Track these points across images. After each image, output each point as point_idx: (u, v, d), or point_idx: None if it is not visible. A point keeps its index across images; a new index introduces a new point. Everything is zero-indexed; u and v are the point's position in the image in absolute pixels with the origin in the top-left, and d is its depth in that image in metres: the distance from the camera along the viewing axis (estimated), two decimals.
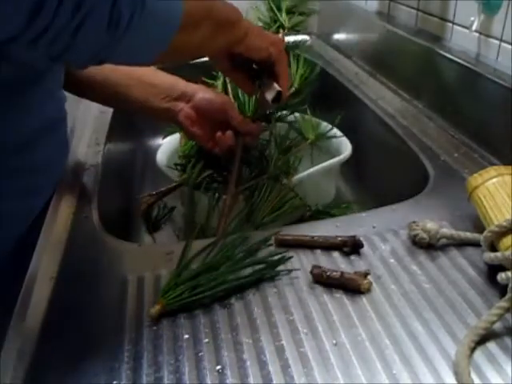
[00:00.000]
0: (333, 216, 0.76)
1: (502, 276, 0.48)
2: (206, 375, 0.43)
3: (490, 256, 0.52)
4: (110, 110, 0.95)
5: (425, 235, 0.56)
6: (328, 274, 0.52)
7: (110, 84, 0.75)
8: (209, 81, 0.91)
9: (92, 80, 0.75)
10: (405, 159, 0.80)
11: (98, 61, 0.48)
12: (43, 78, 0.66)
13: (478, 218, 0.57)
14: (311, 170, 0.78)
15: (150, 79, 0.75)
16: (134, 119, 1.13)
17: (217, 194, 0.73)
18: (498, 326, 0.46)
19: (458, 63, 0.82)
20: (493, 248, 0.53)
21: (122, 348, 0.46)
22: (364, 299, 0.50)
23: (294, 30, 0.95)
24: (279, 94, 0.65)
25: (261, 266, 0.54)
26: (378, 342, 0.45)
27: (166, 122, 0.80)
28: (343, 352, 0.45)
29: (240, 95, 0.82)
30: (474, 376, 0.41)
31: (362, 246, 0.57)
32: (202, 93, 0.75)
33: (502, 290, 0.50)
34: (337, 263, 0.55)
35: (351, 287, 0.51)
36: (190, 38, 0.54)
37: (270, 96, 0.65)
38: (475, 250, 0.56)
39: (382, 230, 0.60)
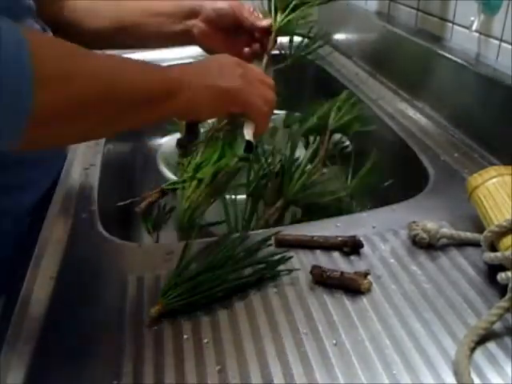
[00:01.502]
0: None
1: (501, 276, 0.49)
2: (206, 375, 0.43)
3: (489, 256, 0.52)
4: None
5: (425, 235, 0.56)
6: (328, 273, 0.52)
7: (119, 28, 0.75)
8: None
9: (101, 29, 0.75)
10: (405, 159, 0.80)
11: None
12: None
13: (478, 218, 0.57)
14: None
15: (152, 10, 0.75)
16: None
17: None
18: (498, 326, 0.46)
19: (458, 63, 0.82)
20: (493, 248, 0.53)
21: (122, 348, 0.46)
22: (364, 299, 0.50)
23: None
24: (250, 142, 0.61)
25: (261, 266, 0.54)
26: (378, 342, 0.46)
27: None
28: (343, 352, 0.45)
29: None
30: (474, 376, 0.42)
31: (361, 246, 0.57)
32: (208, 4, 0.74)
33: (502, 290, 0.50)
34: (337, 263, 0.55)
35: (351, 287, 0.51)
36: (60, 131, 0.44)
37: (247, 136, 0.61)
38: (475, 250, 0.56)
39: (382, 230, 0.60)
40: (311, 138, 0.78)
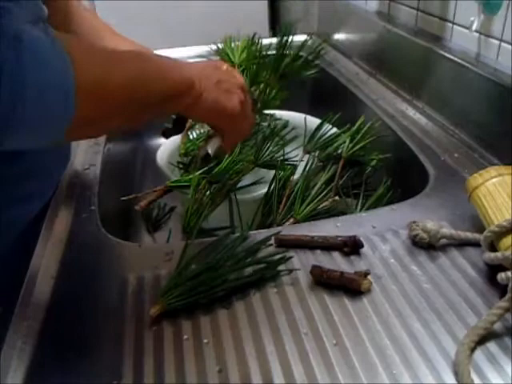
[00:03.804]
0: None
1: (501, 276, 0.48)
2: (206, 375, 0.43)
3: (489, 256, 0.52)
4: None
5: (425, 235, 0.56)
6: (328, 273, 0.52)
7: None
8: None
9: None
10: (405, 159, 0.80)
11: None
12: None
13: (477, 218, 0.57)
14: None
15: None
16: None
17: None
18: (498, 326, 0.46)
19: (458, 63, 0.82)
20: (493, 248, 0.53)
21: (122, 348, 0.46)
22: (364, 299, 0.50)
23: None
24: (208, 155, 0.65)
25: (261, 266, 0.54)
26: (378, 342, 0.46)
27: None
28: (343, 352, 0.45)
29: None
30: (474, 376, 0.42)
31: (362, 246, 0.57)
32: None
33: (501, 290, 0.50)
34: (337, 263, 0.55)
35: (351, 287, 0.51)
36: (95, 127, 0.49)
37: (210, 149, 0.64)
38: (475, 250, 0.56)
39: (382, 230, 0.60)
40: (328, 166, 0.80)
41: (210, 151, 0.64)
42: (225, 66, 0.65)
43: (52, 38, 0.42)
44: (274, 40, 1.02)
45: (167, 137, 0.75)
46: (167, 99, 0.54)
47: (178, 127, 0.71)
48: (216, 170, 0.76)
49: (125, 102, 0.49)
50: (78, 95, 0.42)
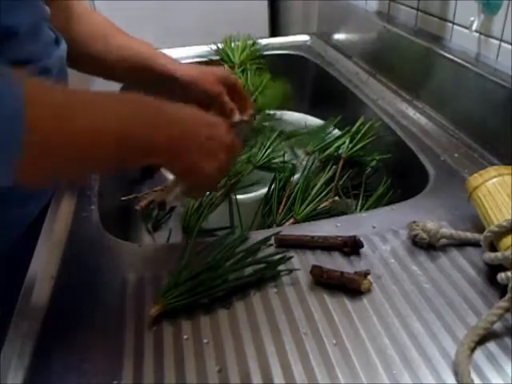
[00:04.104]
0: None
1: (501, 276, 0.49)
2: (206, 375, 0.43)
3: (489, 256, 0.52)
4: None
5: (425, 235, 0.56)
6: (328, 273, 0.52)
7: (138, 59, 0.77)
8: None
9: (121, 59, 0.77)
10: (405, 159, 0.80)
11: None
12: None
13: (477, 218, 0.57)
14: None
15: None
16: None
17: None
18: (498, 326, 0.46)
19: (458, 63, 0.82)
20: (493, 248, 0.53)
21: (121, 348, 0.46)
22: (364, 299, 0.50)
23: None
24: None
25: (261, 266, 0.54)
26: (378, 342, 0.46)
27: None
28: (343, 352, 0.45)
29: None
30: (474, 376, 0.42)
31: (362, 246, 0.57)
32: (179, 74, 0.76)
33: (501, 290, 0.50)
34: (337, 263, 0.55)
35: (351, 287, 0.51)
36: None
37: (168, 198, 0.60)
38: (475, 250, 0.56)
39: (382, 230, 0.60)
40: (328, 166, 0.80)
41: (167, 200, 0.60)
42: (221, 126, 0.58)
43: (6, 77, 0.40)
44: (274, 40, 1.02)
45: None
46: (124, 162, 0.49)
47: (146, 174, 0.66)
48: None
49: (70, 158, 0.44)
50: (28, 135, 0.39)
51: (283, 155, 0.82)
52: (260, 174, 0.82)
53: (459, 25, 0.87)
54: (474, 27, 0.81)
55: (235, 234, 0.58)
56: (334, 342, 0.46)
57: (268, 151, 0.81)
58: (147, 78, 0.78)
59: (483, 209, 0.56)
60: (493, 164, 0.73)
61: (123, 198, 0.73)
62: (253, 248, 0.56)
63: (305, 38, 1.32)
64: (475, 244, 0.56)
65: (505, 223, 0.51)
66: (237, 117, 0.77)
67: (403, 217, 0.62)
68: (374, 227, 0.61)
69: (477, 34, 0.82)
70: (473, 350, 0.44)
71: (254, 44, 1.17)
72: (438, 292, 0.51)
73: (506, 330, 0.46)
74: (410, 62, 0.97)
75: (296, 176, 0.77)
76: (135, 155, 0.49)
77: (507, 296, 0.46)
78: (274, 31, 1.94)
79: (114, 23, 0.81)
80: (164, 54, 0.79)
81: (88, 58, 0.78)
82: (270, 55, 1.19)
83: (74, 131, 0.43)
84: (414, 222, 0.58)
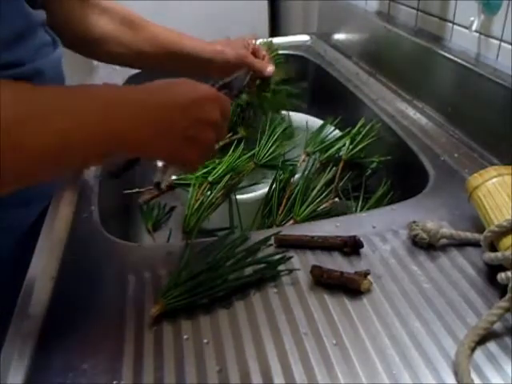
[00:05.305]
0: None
1: (501, 276, 0.49)
2: (206, 375, 0.43)
3: (489, 256, 0.52)
4: None
5: (425, 235, 0.56)
6: (328, 273, 0.52)
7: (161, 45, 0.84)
8: None
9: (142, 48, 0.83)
10: (405, 159, 0.80)
11: None
12: None
13: (477, 218, 0.57)
14: None
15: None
16: None
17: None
18: (498, 326, 0.46)
19: (458, 63, 0.82)
20: (493, 248, 0.53)
21: (121, 348, 0.46)
22: (364, 299, 0.50)
23: None
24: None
25: (261, 266, 0.54)
26: (378, 342, 0.46)
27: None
28: (343, 352, 0.45)
29: None
30: (474, 376, 0.42)
31: (362, 246, 0.57)
32: (219, 56, 0.83)
33: (502, 290, 0.50)
34: (337, 263, 0.55)
35: (351, 287, 0.51)
36: None
37: (162, 181, 0.63)
38: (475, 250, 0.56)
39: (382, 230, 0.60)
40: (328, 167, 0.80)
41: (162, 184, 0.63)
42: (207, 102, 0.54)
43: None
44: (274, 40, 1.02)
45: (117, 176, 0.65)
46: (95, 159, 0.49)
47: (130, 164, 0.62)
48: (217, 170, 0.76)
49: (44, 161, 0.44)
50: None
51: (284, 154, 0.82)
52: (260, 175, 0.82)
53: (459, 25, 0.87)
54: (474, 27, 0.81)
55: (235, 234, 0.58)
56: (334, 341, 0.46)
57: (270, 150, 0.81)
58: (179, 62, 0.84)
59: (483, 209, 0.56)
60: (493, 164, 0.73)
61: (126, 192, 0.73)
62: (253, 248, 0.56)
63: (305, 37, 1.32)
64: (475, 244, 0.56)
65: (505, 223, 0.51)
66: (270, 68, 0.87)
67: (403, 217, 0.62)
68: (374, 227, 0.61)
69: (477, 34, 0.82)
70: (473, 349, 0.44)
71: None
72: (438, 292, 0.51)
73: (506, 330, 0.46)
74: (409, 62, 0.97)
75: (296, 177, 0.77)
76: (101, 152, 0.48)
77: (507, 296, 0.46)
78: (274, 31, 1.94)
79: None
80: (189, 37, 0.85)
81: (119, 49, 0.82)
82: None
83: (46, 132, 0.42)
84: (414, 221, 0.58)
